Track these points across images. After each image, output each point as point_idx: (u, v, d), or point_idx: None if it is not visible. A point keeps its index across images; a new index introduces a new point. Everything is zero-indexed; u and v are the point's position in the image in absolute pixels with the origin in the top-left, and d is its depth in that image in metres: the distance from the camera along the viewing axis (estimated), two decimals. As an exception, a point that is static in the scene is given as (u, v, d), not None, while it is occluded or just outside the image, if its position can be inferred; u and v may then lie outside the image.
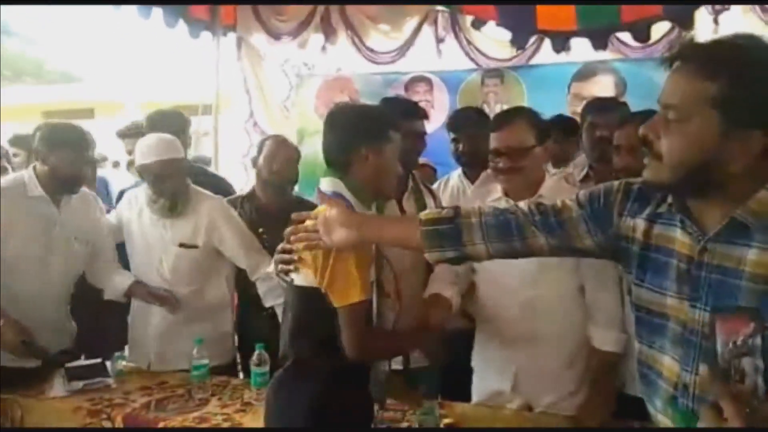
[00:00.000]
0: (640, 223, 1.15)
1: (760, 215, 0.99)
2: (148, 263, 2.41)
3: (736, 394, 0.87)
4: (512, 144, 1.90)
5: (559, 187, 2.05)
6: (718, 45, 1.01)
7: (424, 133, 2.27)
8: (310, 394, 1.50)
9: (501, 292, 1.96)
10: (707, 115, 0.98)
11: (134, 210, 2.47)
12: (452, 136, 2.66)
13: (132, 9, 3.28)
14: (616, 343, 1.83)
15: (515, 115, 2.02)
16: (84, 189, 2.43)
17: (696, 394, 1.04)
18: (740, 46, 0.99)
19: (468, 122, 2.65)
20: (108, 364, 2.27)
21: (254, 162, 2.68)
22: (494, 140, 1.94)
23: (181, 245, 2.39)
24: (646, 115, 2.00)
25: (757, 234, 0.99)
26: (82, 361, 2.31)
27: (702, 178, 1.01)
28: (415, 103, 2.39)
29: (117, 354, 2.38)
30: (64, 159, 2.24)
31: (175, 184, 2.36)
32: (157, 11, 3.47)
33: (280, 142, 2.70)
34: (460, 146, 2.62)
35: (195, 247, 2.39)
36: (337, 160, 1.61)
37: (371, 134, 1.61)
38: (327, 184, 1.60)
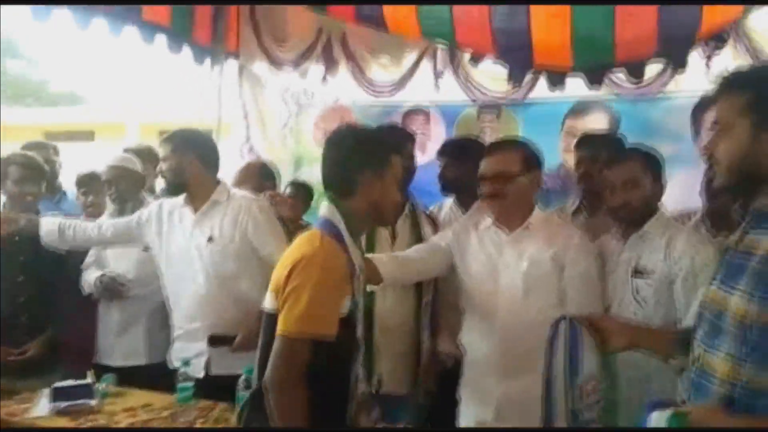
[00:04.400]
0: None
1: None
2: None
3: None
4: (496, 169, 1.94)
5: (549, 219, 2.08)
6: (747, 68, 1.36)
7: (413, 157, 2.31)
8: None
9: (484, 319, 1.97)
10: (742, 122, 1.22)
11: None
12: (442, 163, 2.69)
13: (135, 33, 3.34)
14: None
15: (505, 143, 2.08)
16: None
17: None
18: (763, 66, 1.29)
19: (457, 150, 2.70)
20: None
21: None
22: (481, 166, 1.99)
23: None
24: (634, 152, 2.06)
25: None
26: (69, 382, 2.30)
27: (749, 177, 1.23)
28: (404, 129, 2.42)
29: (105, 375, 2.37)
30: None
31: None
32: (161, 37, 3.53)
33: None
34: (449, 173, 2.65)
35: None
36: (338, 185, 1.60)
37: (374, 158, 1.59)
38: (322, 209, 1.62)
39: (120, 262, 2.74)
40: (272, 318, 1.50)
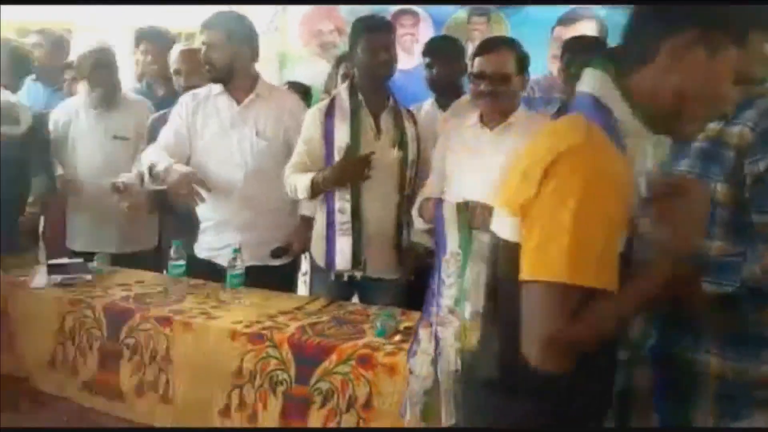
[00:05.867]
0: None
1: None
2: None
3: None
4: (496, 68, 1.99)
5: (529, 116, 2.15)
6: None
7: (389, 46, 2.25)
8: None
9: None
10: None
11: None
12: (427, 61, 2.72)
13: None
14: None
15: (501, 42, 2.11)
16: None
17: None
18: None
19: (443, 48, 2.71)
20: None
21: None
22: (479, 64, 2.03)
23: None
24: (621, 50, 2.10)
25: None
26: (64, 260, 2.41)
27: None
28: (381, 18, 2.40)
29: (97, 254, 2.48)
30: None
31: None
32: None
33: (183, 52, 2.69)
34: (434, 71, 2.68)
35: None
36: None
37: None
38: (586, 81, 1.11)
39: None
40: (508, 249, 1.03)
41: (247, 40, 2.38)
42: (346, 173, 2.20)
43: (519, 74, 2.05)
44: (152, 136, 2.55)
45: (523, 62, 2.08)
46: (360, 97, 2.27)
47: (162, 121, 2.59)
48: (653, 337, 1.29)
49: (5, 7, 3.40)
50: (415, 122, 2.37)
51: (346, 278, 2.28)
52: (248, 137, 2.37)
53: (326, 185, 2.21)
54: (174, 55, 2.73)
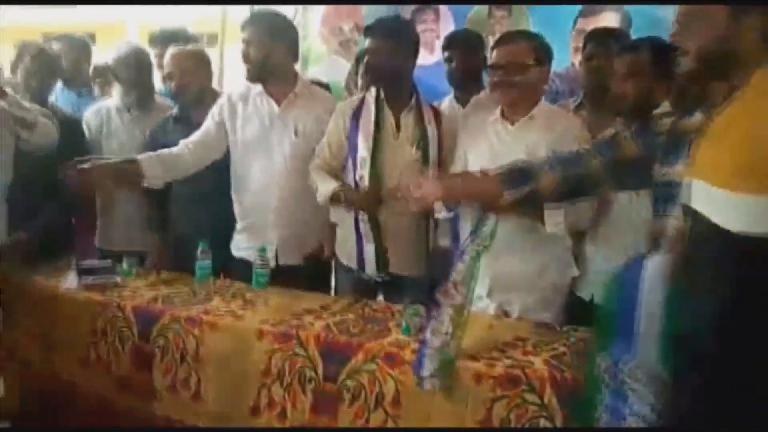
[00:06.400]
0: None
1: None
2: None
3: None
4: (510, 58, 1.98)
5: (552, 110, 2.13)
6: None
7: (385, 51, 2.24)
8: None
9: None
10: (718, 9, 1.23)
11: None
12: (446, 55, 2.71)
13: None
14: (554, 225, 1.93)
15: (518, 34, 2.10)
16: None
17: None
18: None
19: (462, 41, 2.70)
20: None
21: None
22: (494, 56, 2.03)
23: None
24: (644, 43, 2.08)
25: None
26: (93, 261, 2.45)
27: (718, 63, 1.25)
28: (383, 22, 2.40)
29: (126, 254, 2.52)
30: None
31: None
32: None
33: (174, 55, 2.62)
34: (453, 65, 2.67)
35: None
36: None
37: None
38: None
39: None
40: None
41: (286, 38, 2.39)
42: (363, 203, 2.23)
43: (539, 65, 2.02)
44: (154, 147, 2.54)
45: (543, 53, 2.05)
46: (382, 95, 2.28)
47: (162, 132, 2.63)
48: None
49: (28, 13, 3.46)
50: (439, 122, 2.36)
51: (370, 278, 2.29)
52: (287, 137, 2.38)
53: (345, 203, 2.24)
54: (166, 58, 2.67)
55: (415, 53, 2.32)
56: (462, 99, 2.69)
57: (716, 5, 1.25)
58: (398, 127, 2.28)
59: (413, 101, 2.30)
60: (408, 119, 2.29)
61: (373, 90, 2.32)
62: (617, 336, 1.24)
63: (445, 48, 2.76)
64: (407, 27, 2.38)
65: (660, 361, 1.14)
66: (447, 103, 2.77)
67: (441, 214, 2.15)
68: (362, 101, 2.32)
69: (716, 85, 1.29)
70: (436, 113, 2.37)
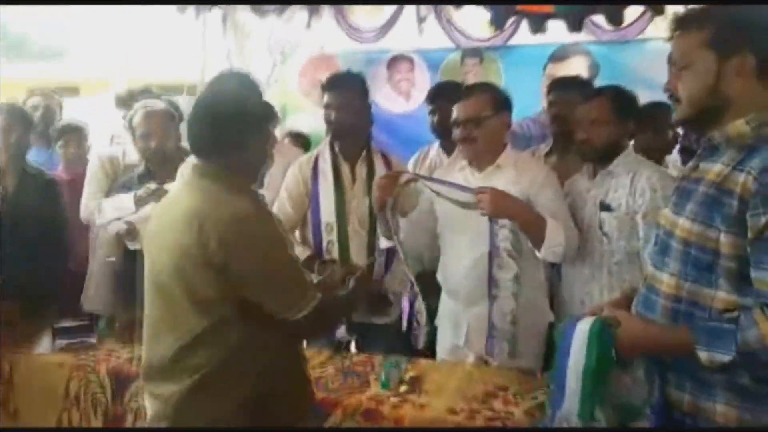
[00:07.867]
0: None
1: (731, 138, 1.24)
2: None
3: None
4: (468, 114, 2.03)
5: (519, 157, 2.17)
6: (700, 7, 1.34)
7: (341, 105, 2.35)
8: None
9: (457, 250, 2.09)
10: (705, 56, 1.27)
11: None
12: (430, 108, 2.77)
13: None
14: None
15: (473, 88, 2.17)
16: None
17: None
18: (714, 5, 1.29)
19: (443, 93, 2.77)
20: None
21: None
22: (454, 111, 2.08)
23: None
24: (606, 90, 2.15)
25: (725, 155, 1.24)
26: (70, 321, 2.41)
27: (710, 109, 1.28)
28: (338, 76, 2.48)
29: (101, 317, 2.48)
30: None
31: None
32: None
33: (148, 113, 2.52)
34: (436, 117, 2.73)
35: None
36: None
37: None
38: None
39: None
40: None
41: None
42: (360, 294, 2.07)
43: (496, 114, 2.05)
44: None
45: (500, 101, 2.09)
46: (336, 148, 2.37)
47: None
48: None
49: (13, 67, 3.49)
50: (389, 165, 2.41)
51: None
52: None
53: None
54: (138, 117, 2.53)
55: (368, 107, 2.43)
56: (448, 148, 2.74)
57: (703, 54, 1.26)
58: (354, 178, 2.34)
59: (364, 153, 2.37)
60: (362, 170, 2.36)
61: (327, 143, 2.38)
62: (556, 388, 1.31)
63: (428, 101, 2.82)
64: (358, 82, 2.43)
65: (578, 415, 1.23)
66: (434, 152, 2.82)
67: (382, 243, 2.19)
68: (317, 155, 2.40)
69: None
70: (387, 161, 2.42)
